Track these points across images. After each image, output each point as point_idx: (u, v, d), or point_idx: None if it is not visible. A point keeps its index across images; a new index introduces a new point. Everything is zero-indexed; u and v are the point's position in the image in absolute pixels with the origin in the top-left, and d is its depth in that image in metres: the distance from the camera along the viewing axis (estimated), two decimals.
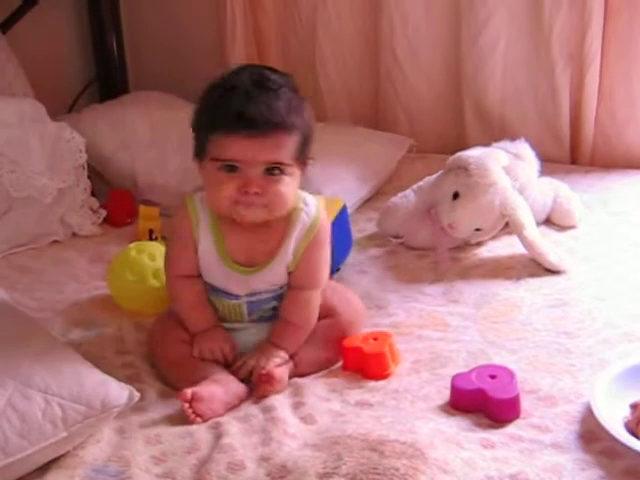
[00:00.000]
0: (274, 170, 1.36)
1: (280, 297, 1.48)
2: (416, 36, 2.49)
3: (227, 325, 1.49)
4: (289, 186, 1.38)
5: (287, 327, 1.45)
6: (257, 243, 1.44)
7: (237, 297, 1.46)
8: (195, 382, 1.34)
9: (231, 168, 1.36)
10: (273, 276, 1.45)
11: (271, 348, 1.43)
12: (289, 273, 1.46)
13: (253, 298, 1.46)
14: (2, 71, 2.22)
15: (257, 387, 1.38)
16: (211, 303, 1.48)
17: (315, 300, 1.47)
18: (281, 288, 1.47)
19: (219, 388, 1.34)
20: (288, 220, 1.44)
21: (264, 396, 1.37)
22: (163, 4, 2.84)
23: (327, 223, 1.48)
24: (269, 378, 1.37)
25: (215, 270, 1.45)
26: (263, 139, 1.34)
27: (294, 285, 1.46)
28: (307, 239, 1.44)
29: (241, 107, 1.33)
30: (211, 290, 1.47)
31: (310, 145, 1.43)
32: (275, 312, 1.48)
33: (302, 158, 1.41)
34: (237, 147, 1.34)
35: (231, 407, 1.34)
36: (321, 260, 1.47)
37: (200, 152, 1.41)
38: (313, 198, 1.48)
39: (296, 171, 1.40)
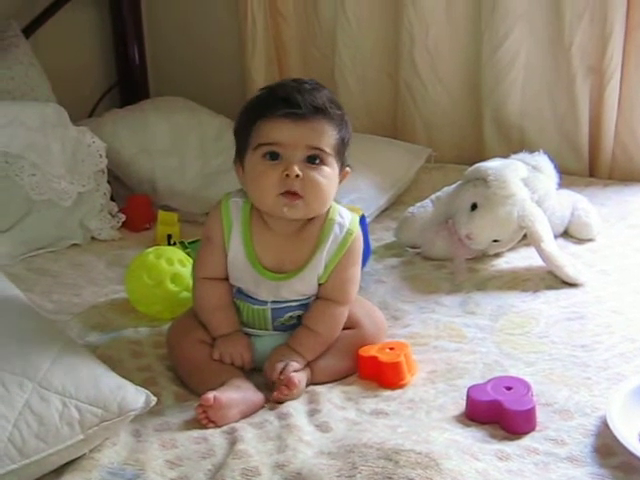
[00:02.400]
0: (315, 159, 1.39)
1: (306, 306, 1.48)
2: (436, 47, 2.50)
3: (249, 331, 1.49)
4: (328, 178, 1.41)
5: (309, 335, 1.45)
6: (288, 251, 1.45)
7: (264, 303, 1.46)
8: (213, 386, 1.35)
9: (273, 156, 1.39)
10: (303, 285, 1.46)
11: (289, 352, 1.43)
12: (319, 284, 1.47)
13: (279, 305, 1.46)
14: (25, 76, 2.25)
15: (274, 391, 1.38)
16: (236, 306, 1.49)
17: (342, 316, 1.47)
18: (309, 298, 1.48)
19: (238, 395, 1.35)
20: (320, 230, 1.45)
21: (280, 401, 1.37)
22: (185, 12, 2.85)
23: (360, 239, 1.49)
24: (288, 383, 1.37)
25: (245, 275, 1.46)
26: (305, 122, 1.38)
27: (323, 297, 1.47)
28: (340, 252, 1.45)
29: (286, 94, 1.40)
30: (238, 293, 1.48)
31: (347, 150, 1.46)
32: (299, 321, 1.48)
33: (341, 156, 1.44)
34: (280, 130, 1.38)
35: (247, 415, 1.34)
36: (352, 276, 1.48)
37: (243, 147, 1.44)
38: (349, 213, 1.49)
39: (335, 166, 1.42)
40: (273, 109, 1.39)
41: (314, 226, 1.45)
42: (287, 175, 1.37)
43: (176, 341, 1.49)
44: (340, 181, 1.47)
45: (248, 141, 1.42)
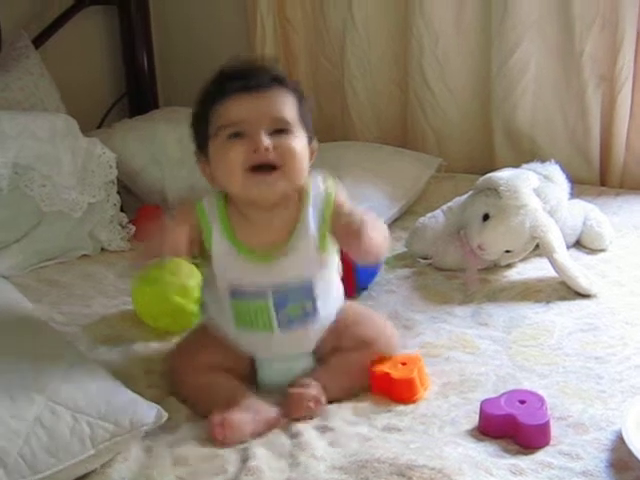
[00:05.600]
0: (281, 132, 1.34)
1: (309, 292, 1.39)
2: (446, 57, 2.49)
3: (255, 336, 1.41)
4: (300, 145, 1.35)
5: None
6: (272, 234, 1.38)
7: (263, 295, 1.38)
8: (224, 407, 1.31)
9: (237, 134, 1.33)
10: (300, 260, 1.37)
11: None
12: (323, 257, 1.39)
13: (280, 293, 1.38)
14: (35, 86, 2.25)
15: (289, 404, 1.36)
16: (234, 311, 1.40)
17: (382, 232, 1.38)
18: (310, 282, 1.40)
19: (248, 415, 1.31)
20: (300, 192, 1.38)
21: (293, 416, 1.34)
22: (194, 21, 2.86)
23: (341, 194, 1.41)
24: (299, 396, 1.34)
25: (236, 266, 1.37)
26: (264, 93, 1.33)
27: (345, 244, 1.38)
28: (328, 209, 1.37)
29: (238, 71, 1.36)
30: (235, 294, 1.39)
31: (310, 126, 1.40)
32: (305, 315, 1.40)
33: (307, 129, 1.38)
34: (240, 106, 1.33)
35: (259, 433, 1.31)
36: (352, 207, 1.38)
37: (204, 138, 1.37)
38: (321, 177, 1.41)
39: (304, 137, 1.37)
40: (228, 88, 1.33)
41: (292, 202, 1.38)
42: (255, 150, 1.31)
43: (181, 370, 1.43)
44: (310, 158, 1.39)
45: (207, 129, 1.36)
